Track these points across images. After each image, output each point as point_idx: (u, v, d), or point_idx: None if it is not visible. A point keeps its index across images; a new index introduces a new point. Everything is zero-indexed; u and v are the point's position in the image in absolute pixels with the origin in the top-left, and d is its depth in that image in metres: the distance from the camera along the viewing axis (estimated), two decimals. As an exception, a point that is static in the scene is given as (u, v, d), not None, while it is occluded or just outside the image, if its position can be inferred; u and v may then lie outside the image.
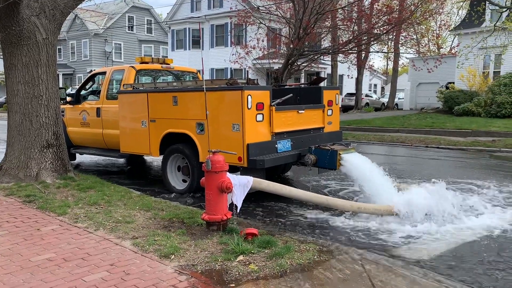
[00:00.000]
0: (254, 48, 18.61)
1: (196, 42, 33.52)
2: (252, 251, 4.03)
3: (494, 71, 23.07)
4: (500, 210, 5.83)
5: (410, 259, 4.16)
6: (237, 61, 19.45)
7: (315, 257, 3.98)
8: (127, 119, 7.70)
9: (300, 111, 6.89)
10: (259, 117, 6.12)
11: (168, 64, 9.00)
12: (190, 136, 6.63)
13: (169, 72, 9.05)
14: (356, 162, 6.22)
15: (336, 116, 7.77)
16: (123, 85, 8.05)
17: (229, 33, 28.65)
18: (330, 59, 25.43)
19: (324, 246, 4.31)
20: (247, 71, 24.34)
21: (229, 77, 24.78)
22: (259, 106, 6.09)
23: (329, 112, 7.55)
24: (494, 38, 15.59)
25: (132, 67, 8.39)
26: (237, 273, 3.62)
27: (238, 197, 4.81)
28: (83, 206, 5.70)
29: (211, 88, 6.32)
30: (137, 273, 3.65)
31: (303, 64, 18.56)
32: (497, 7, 15.79)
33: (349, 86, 35.55)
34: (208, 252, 4.07)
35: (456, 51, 22.90)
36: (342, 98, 33.91)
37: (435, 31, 38.04)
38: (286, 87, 8.56)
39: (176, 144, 7.00)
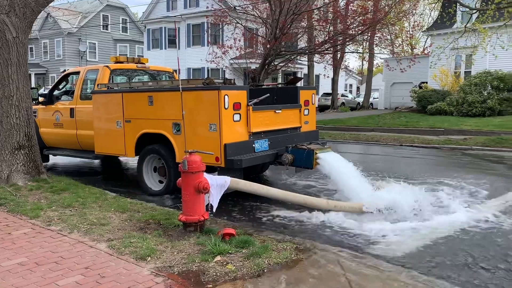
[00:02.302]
0: (230, 48, 18.58)
1: (172, 42, 33.20)
2: (230, 251, 4.03)
3: (465, 71, 23.71)
4: (469, 207, 5.98)
5: (385, 256, 4.22)
6: (213, 61, 19.37)
7: (293, 255, 4.01)
8: (101, 120, 7.57)
9: (277, 111, 6.92)
10: (236, 117, 6.12)
11: (144, 63, 8.90)
12: (166, 136, 6.57)
13: (144, 72, 8.94)
14: (332, 161, 6.30)
15: (313, 116, 7.83)
16: (97, 85, 7.91)
17: (205, 33, 28.50)
18: (307, 60, 25.61)
19: (301, 245, 4.33)
20: (224, 70, 24.28)
21: (206, 76, 24.58)
22: (236, 106, 6.09)
23: (306, 111, 7.61)
24: (465, 39, 15.99)
25: (107, 66, 8.25)
26: (214, 273, 3.61)
27: (215, 198, 4.80)
28: (57, 208, 5.57)
29: (187, 88, 6.27)
30: (112, 275, 3.59)
31: (280, 64, 18.64)
32: (467, 9, 16.21)
33: (325, 86, 35.90)
34: (185, 253, 4.04)
35: (429, 52, 23.44)
36: (319, 98, 34.25)
37: (408, 32, 38.86)
38: (263, 87, 8.58)
39: (152, 145, 6.92)
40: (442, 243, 4.66)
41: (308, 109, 7.66)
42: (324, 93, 34.91)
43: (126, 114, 7.14)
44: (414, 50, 41.14)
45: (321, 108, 32.72)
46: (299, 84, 8.24)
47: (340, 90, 37.01)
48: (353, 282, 3.48)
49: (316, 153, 6.34)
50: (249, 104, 6.28)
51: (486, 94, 19.80)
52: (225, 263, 3.81)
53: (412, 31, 39.15)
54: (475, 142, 13.59)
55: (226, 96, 5.89)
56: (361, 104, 34.11)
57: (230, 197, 6.42)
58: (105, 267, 3.76)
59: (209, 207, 4.80)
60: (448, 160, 10.88)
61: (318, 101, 34.17)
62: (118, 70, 8.43)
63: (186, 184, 4.53)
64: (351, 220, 5.35)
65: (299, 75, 31.28)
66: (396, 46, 23.65)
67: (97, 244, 4.31)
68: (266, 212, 5.97)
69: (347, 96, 37.98)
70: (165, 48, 33.05)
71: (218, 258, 3.90)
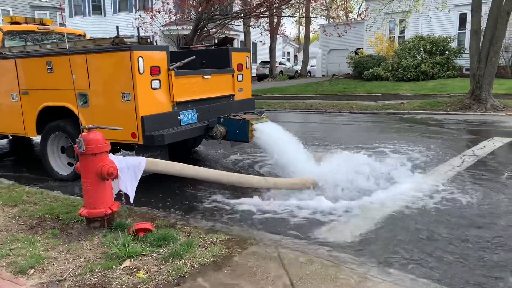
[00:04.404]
0: (159, 12, 17.05)
1: (97, 8, 30.55)
2: (143, 253, 3.17)
3: (399, 36, 23.85)
4: (417, 176, 5.52)
5: (332, 243, 3.55)
6: (141, 26, 17.72)
7: (223, 251, 3.23)
8: (-7, 93, 6.24)
9: (205, 76, 6.00)
10: (155, 84, 5.13)
11: (48, 25, 7.52)
12: (71, 110, 5.45)
13: (48, 35, 7.56)
14: (270, 132, 5.54)
15: (248, 82, 6.99)
16: (-14, 50, 6.50)
17: (132, -4, 26.36)
18: (243, 25, 24.53)
19: (234, 235, 3.57)
20: (154, 37, 22.59)
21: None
22: (154, 71, 5.09)
23: (240, 77, 6.75)
24: (399, 1, 15.78)
25: (-2, 28, 6.82)
26: (118, 287, 2.74)
27: (128, 183, 3.87)
28: None
29: (93, 50, 5.17)
30: (-26, 303, 2.62)
31: (213, 30, 17.46)
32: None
33: (263, 54, 35.09)
34: (83, 259, 3.12)
35: (365, 16, 23.24)
36: (257, 67, 33.44)
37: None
38: (190, 49, 7.56)
39: (56, 121, 5.77)
40: (393, 221, 4.08)
41: (242, 75, 6.80)
42: (262, 61, 34.09)
43: (22, 84, 5.90)
44: (349, 15, 41.16)
45: (260, 77, 31.97)
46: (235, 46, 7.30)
47: (278, 58, 36.38)
48: (296, 283, 2.78)
49: (252, 124, 5.55)
50: (171, 68, 5.30)
51: (419, 59, 20.02)
52: (135, 269, 2.95)
53: (346, 3, 39.01)
54: (412, 106, 13.54)
55: (140, 58, 4.86)
56: (299, 72, 33.76)
57: (158, 180, 5.50)
58: (-33, 290, 2.77)
59: (122, 196, 3.89)
60: (387, 126, 10.60)
61: (257, 70, 33.37)
62: (14, 33, 7.02)
63: (85, 169, 3.56)
64: (293, 199, 4.67)
65: (235, 43, 30.10)
66: (332, 10, 23.19)
67: (-36, 255, 3.27)
68: (196, 196, 5.13)
69: (285, 65, 37.42)
70: (90, 15, 30.39)
71: (127, 263, 3.03)
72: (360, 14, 31.03)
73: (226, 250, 3.25)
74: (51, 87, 5.59)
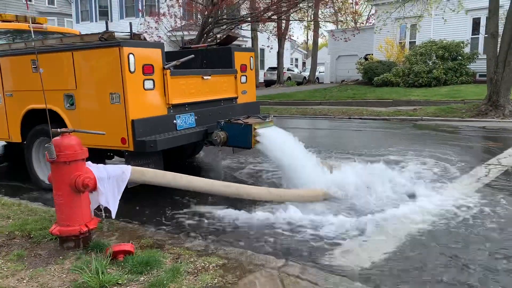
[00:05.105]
0: (164, 16, 16.67)
1: (104, 13, 30.39)
2: (119, 282, 2.63)
3: (410, 41, 23.25)
4: (440, 189, 4.94)
5: (347, 270, 2.99)
6: (146, 32, 17.37)
7: (216, 280, 2.68)
8: (-24, 94, 5.79)
9: (205, 77, 5.49)
10: (148, 84, 4.63)
11: (41, 24, 7.09)
12: (57, 112, 4.96)
13: (41, 34, 7.11)
14: (275, 138, 5.00)
15: (252, 84, 6.48)
16: (-30, 49, 6.06)
17: (139, 2, 26.12)
18: (250, 29, 24.12)
19: (231, 259, 3.02)
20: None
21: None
22: (147, 69, 4.59)
23: (243, 79, 6.24)
24: (412, 4, 15.24)
25: (-16, 26, 6.40)
26: (83, 329, 2.22)
27: (109, 196, 3.33)
28: None
29: (79, 46, 4.68)
30: None
31: (218, 35, 17.04)
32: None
33: (270, 60, 34.69)
34: (47, 289, 2.60)
35: (375, 19, 22.71)
36: (265, 73, 33.06)
37: (351, 5, 38.17)
38: (191, 49, 7.06)
39: (41, 125, 5.28)
40: (416, 243, 3.51)
41: (246, 76, 6.29)
42: (269, 68, 33.68)
43: (6, 85, 5.44)
44: (358, 23, 40.61)
45: (267, 83, 31.55)
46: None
47: (286, 64, 35.97)
48: (305, 325, 2.23)
49: (255, 129, 5.02)
50: (166, 67, 4.79)
51: (431, 64, 19.39)
52: (107, 304, 2.42)
53: (356, 6, 38.42)
54: (425, 113, 12.93)
55: (131, 56, 4.37)
56: (307, 78, 33.26)
57: (154, 190, 4.97)
58: None
59: (103, 210, 3.36)
60: (401, 132, 10.01)
61: (264, 76, 32.95)
62: (1, 31, 6.58)
63: (58, 180, 3.04)
64: (300, 214, 4.11)
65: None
66: (341, 14, 22.73)
67: None
68: (194, 209, 4.58)
69: (293, 71, 37.00)
70: (96, 21, 30.20)
71: (98, 295, 2.51)
72: (368, 19, 30.49)
73: (220, 278, 2.71)
74: (37, 88, 5.09)
